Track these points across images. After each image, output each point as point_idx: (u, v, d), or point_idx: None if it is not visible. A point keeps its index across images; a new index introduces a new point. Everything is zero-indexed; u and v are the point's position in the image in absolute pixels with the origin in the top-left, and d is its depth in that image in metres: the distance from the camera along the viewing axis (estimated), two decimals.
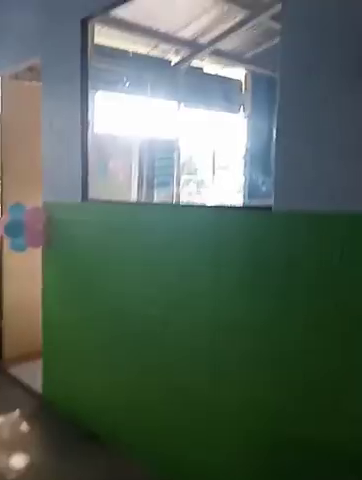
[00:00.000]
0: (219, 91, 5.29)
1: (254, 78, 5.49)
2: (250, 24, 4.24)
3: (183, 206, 2.21)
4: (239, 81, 5.56)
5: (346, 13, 1.42)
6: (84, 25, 2.61)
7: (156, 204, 2.28)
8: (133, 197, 5.72)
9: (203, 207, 2.10)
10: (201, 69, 5.20)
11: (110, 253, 2.43)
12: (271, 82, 5.67)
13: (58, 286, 2.94)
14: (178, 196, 5.00)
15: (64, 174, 2.78)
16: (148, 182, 5.52)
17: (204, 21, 4.27)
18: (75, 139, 2.65)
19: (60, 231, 2.82)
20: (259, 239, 1.71)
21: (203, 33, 4.48)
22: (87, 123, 2.62)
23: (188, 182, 5.61)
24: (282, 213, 1.62)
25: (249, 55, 5.08)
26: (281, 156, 1.63)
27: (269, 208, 1.66)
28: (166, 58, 4.90)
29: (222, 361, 1.88)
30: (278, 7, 4.05)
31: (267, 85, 5.62)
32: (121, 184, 5.11)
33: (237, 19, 4.25)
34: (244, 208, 1.89)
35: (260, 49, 4.91)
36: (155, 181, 5.52)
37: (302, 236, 1.58)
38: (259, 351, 1.73)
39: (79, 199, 2.62)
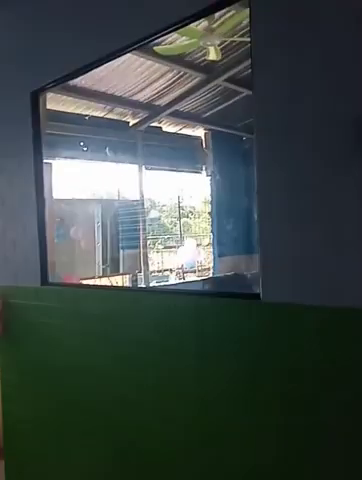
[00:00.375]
0: (180, 149, 5.25)
1: (214, 136, 5.52)
2: (207, 86, 4.26)
3: (158, 292, 1.98)
4: (200, 138, 5.57)
5: (328, 78, 1.29)
6: (34, 97, 2.45)
7: (126, 289, 2.05)
8: (98, 260, 5.47)
9: (182, 293, 1.87)
10: (160, 128, 5.17)
11: (75, 344, 2.15)
12: (231, 140, 5.73)
13: (18, 379, 2.59)
14: (146, 257, 4.78)
15: (20, 256, 2.51)
16: (113, 245, 5.31)
17: (161, 84, 4.26)
18: (30, 217, 2.42)
19: (18, 319, 2.52)
20: (247, 331, 1.49)
21: (160, 96, 4.46)
22: (43, 199, 2.40)
23: (155, 242, 5.43)
24: (272, 304, 1.42)
25: (207, 115, 5.11)
26: (266, 240, 1.44)
27: (257, 296, 1.46)
28: (124, 120, 4.84)
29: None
30: (233, 70, 4.11)
31: (227, 143, 5.66)
32: (84, 250, 4.87)
33: (193, 82, 4.26)
34: (229, 295, 1.67)
35: (218, 109, 4.95)
36: (120, 244, 5.31)
37: (295, 330, 1.37)
38: (254, 466, 1.47)
39: (38, 283, 2.35)
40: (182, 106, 4.76)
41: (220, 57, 3.21)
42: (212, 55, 3.10)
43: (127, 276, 4.80)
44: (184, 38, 3.22)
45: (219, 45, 3.08)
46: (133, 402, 1.86)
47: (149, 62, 3.83)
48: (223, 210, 5.51)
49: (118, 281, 4.92)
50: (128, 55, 3.56)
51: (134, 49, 2.19)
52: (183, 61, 3.90)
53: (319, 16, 1.31)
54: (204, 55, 3.84)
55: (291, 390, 1.38)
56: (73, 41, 2.24)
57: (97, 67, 2.28)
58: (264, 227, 1.42)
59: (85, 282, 4.23)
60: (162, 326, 1.74)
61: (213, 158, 5.50)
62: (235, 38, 3.12)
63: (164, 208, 6.25)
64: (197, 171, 5.61)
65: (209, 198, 5.62)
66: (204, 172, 5.60)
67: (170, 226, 6.26)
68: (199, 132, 5.57)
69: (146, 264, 4.74)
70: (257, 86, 1.47)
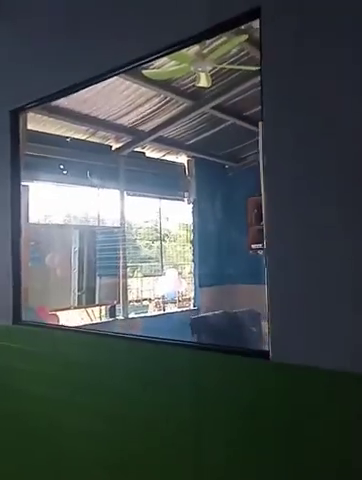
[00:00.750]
0: (162, 176, 5.12)
1: (197, 164, 5.42)
2: (193, 113, 4.16)
3: (148, 341, 1.74)
4: (183, 165, 5.46)
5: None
6: (14, 117, 2.27)
7: (112, 335, 1.81)
8: (74, 288, 5.20)
9: (176, 344, 1.65)
10: (143, 153, 5.03)
11: (51, 395, 1.90)
12: (214, 168, 5.65)
13: None
14: (125, 287, 4.55)
15: None
16: (89, 273, 5.06)
17: (146, 109, 4.14)
18: (4, 247, 2.19)
19: None
20: (253, 394, 1.30)
21: (145, 120, 4.34)
22: (19, 226, 2.19)
23: (134, 270, 5.22)
24: (284, 365, 1.23)
25: (191, 142, 5.01)
26: (277, 293, 1.28)
27: (266, 354, 1.27)
28: (106, 143, 4.68)
29: None
30: (221, 98, 4.04)
31: (210, 170, 5.57)
32: (60, 277, 4.61)
33: (180, 108, 4.16)
34: (232, 352, 1.47)
35: (202, 137, 4.86)
36: (97, 272, 5.07)
37: (308, 396, 1.20)
38: None
39: (10, 321, 2.11)
40: (167, 132, 4.65)
41: (210, 84, 3.12)
42: (202, 81, 2.99)
43: (104, 306, 4.55)
44: (173, 62, 3.12)
45: (209, 72, 2.98)
46: (116, 466, 1.63)
47: (135, 86, 3.71)
48: (205, 239, 5.37)
49: (94, 311, 4.67)
50: (114, 77, 3.42)
51: (121, 73, 2.07)
52: (170, 86, 3.80)
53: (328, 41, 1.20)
54: (192, 81, 3.75)
55: (305, 461, 1.19)
56: (58, 62, 2.08)
57: (82, 89, 2.15)
58: (275, 278, 1.25)
59: (60, 313, 3.97)
60: (152, 381, 1.53)
61: (196, 186, 5.39)
62: (225, 65, 3.03)
63: (140, 231, 6.06)
64: (179, 198, 5.47)
65: (191, 226, 5.48)
66: (186, 199, 5.47)
67: (145, 248, 6.11)
68: (182, 159, 5.47)
69: (125, 294, 4.51)
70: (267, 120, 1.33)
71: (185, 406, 1.43)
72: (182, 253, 5.88)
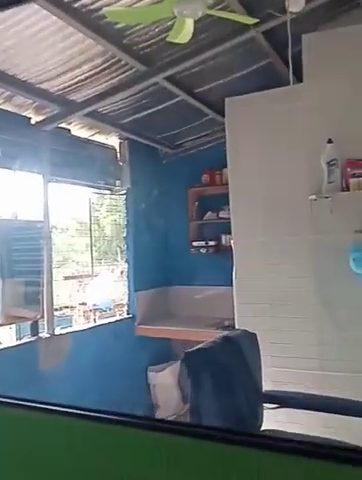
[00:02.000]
0: (92, 160, 4.23)
1: (132, 148, 4.63)
2: (144, 83, 3.37)
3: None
4: (114, 148, 4.63)
5: None
6: None
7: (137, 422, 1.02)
8: None
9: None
10: (69, 130, 4.10)
11: None
12: (150, 153, 4.90)
13: None
14: (50, 297, 3.61)
15: None
16: None
17: (83, 72, 3.25)
18: None
19: None
20: None
21: (80, 88, 3.44)
22: None
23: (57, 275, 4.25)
24: None
25: (127, 120, 4.21)
26: None
27: None
28: (23, 114, 3.66)
29: None
30: (181, 66, 3.32)
31: (146, 156, 4.84)
32: None
33: (127, 74, 3.35)
34: None
35: (143, 114, 4.09)
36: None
37: None
38: None
39: None
40: (102, 106, 3.79)
41: (188, 40, 2.38)
42: (184, 34, 2.24)
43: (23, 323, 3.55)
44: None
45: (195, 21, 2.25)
46: None
47: (77, 37, 2.81)
48: (140, 235, 4.63)
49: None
50: (49, 20, 2.50)
51: None
52: (122, 44, 2.97)
53: None
54: (151, 38, 2.98)
55: None
56: None
57: None
58: None
59: None
60: None
61: (130, 173, 4.60)
62: (217, 12, 2.31)
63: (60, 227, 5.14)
64: (109, 187, 4.63)
65: (124, 220, 4.69)
66: (117, 188, 4.65)
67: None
68: (112, 141, 4.63)
69: (51, 304, 3.57)
70: None
71: None
72: (72, 246, 5.21)
